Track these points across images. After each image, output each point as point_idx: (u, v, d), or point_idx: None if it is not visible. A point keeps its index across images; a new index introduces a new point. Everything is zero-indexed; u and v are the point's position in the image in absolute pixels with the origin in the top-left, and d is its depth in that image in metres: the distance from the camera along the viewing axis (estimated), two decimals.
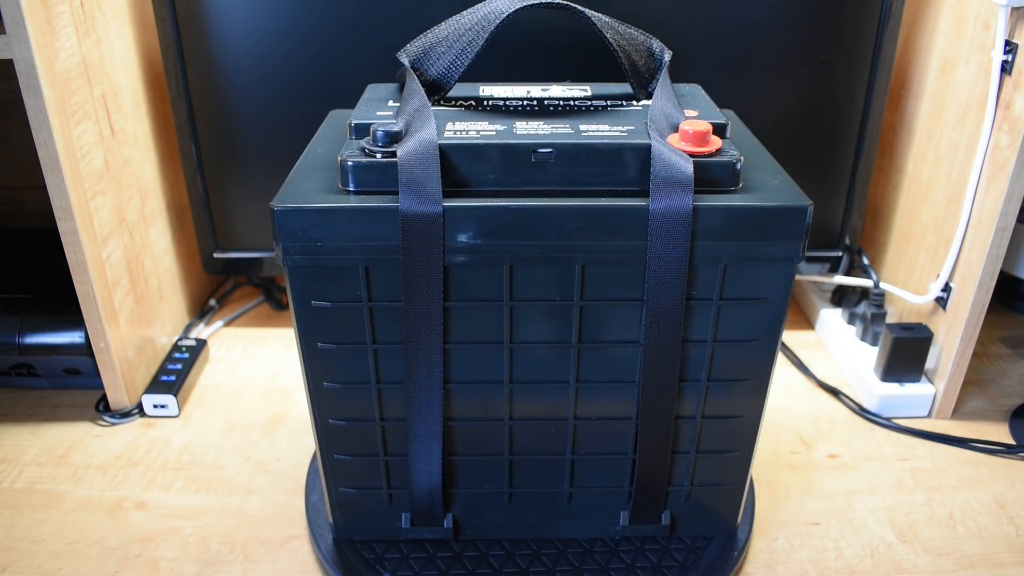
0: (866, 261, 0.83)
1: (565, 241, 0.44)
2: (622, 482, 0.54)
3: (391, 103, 0.50)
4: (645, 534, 0.56)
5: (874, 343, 0.78)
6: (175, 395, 0.72)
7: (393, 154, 0.43)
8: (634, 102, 0.51)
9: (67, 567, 0.56)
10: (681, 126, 0.45)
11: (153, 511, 0.62)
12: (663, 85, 0.50)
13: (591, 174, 0.44)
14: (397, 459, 0.52)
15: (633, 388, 0.50)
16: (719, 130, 0.46)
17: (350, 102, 0.51)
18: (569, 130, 0.45)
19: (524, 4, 0.48)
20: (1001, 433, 0.70)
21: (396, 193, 0.42)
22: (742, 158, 0.44)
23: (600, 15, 0.51)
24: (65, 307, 0.68)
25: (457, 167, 0.44)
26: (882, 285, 0.79)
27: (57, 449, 0.68)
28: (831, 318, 0.84)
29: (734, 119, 0.55)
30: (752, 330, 0.47)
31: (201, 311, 0.89)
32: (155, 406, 0.72)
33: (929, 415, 0.73)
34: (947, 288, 0.70)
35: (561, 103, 0.51)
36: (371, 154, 0.44)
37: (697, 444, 0.52)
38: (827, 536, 0.59)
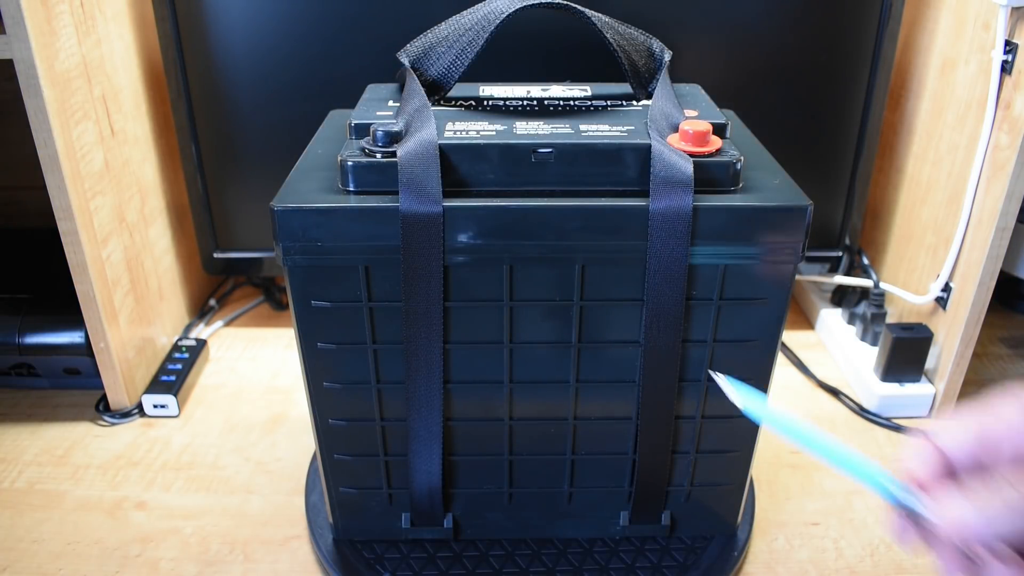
0: (866, 261, 0.83)
1: (565, 241, 0.44)
2: (622, 482, 0.54)
3: (391, 103, 0.51)
4: (645, 534, 0.56)
5: (874, 343, 0.78)
6: (175, 395, 0.72)
7: (393, 154, 0.43)
8: (634, 102, 0.51)
9: (67, 567, 0.56)
10: (681, 126, 0.45)
11: (153, 511, 0.61)
12: (663, 85, 0.50)
13: (591, 174, 0.44)
14: (397, 459, 0.52)
15: (633, 388, 0.50)
16: (719, 130, 0.46)
17: (350, 102, 0.51)
18: (569, 130, 0.45)
19: (524, 4, 0.48)
20: None
21: (396, 193, 0.42)
22: (742, 158, 0.44)
23: (600, 15, 0.51)
24: (65, 307, 0.68)
25: (457, 167, 0.44)
26: (882, 285, 0.79)
27: (57, 449, 0.68)
28: (831, 318, 0.84)
29: (734, 119, 0.55)
30: (752, 330, 0.47)
31: (201, 311, 0.89)
32: (155, 406, 0.72)
33: (929, 415, 0.73)
34: (947, 288, 0.70)
35: (561, 103, 0.51)
36: (371, 154, 0.44)
37: (697, 444, 0.52)
38: (827, 536, 0.59)
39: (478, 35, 0.48)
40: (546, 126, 0.46)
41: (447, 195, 0.42)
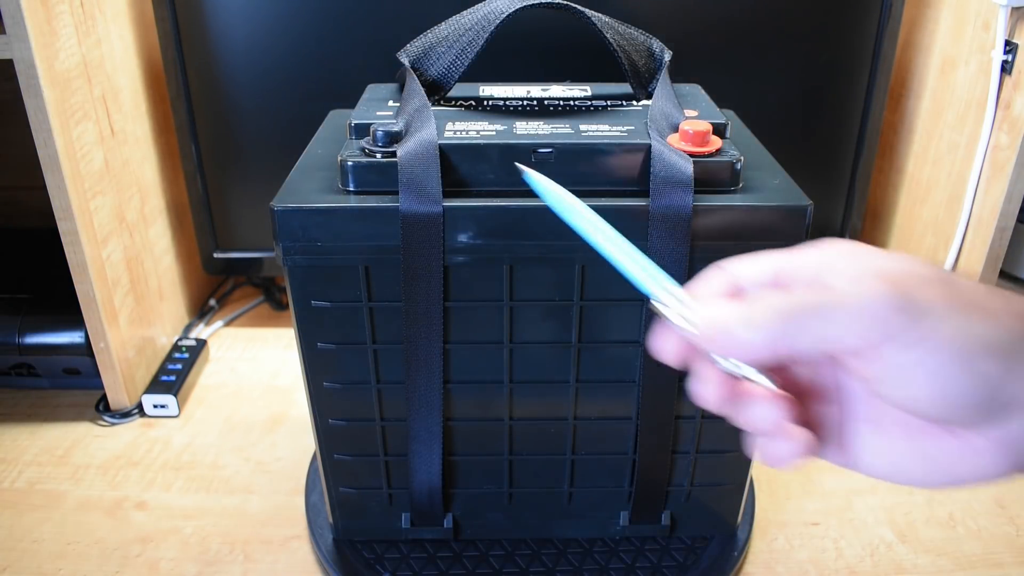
0: None
1: (565, 241, 0.44)
2: (622, 482, 0.54)
3: (391, 103, 0.50)
4: (645, 534, 0.56)
5: None
6: (175, 395, 0.72)
7: (393, 154, 0.43)
8: (634, 102, 0.51)
9: (67, 567, 0.56)
10: (681, 126, 0.45)
11: (153, 511, 0.61)
12: (663, 85, 0.50)
13: (591, 174, 0.44)
14: (397, 459, 0.52)
15: (633, 388, 0.50)
16: (719, 130, 0.46)
17: (350, 102, 0.51)
18: (569, 130, 0.45)
19: (524, 4, 0.48)
20: None
21: (396, 193, 0.42)
22: (742, 158, 0.44)
23: (600, 15, 0.51)
24: (65, 307, 0.68)
25: (457, 167, 0.44)
26: None
27: (57, 449, 0.68)
28: None
29: (734, 119, 0.55)
30: None
31: (201, 311, 0.89)
32: (155, 406, 0.72)
33: None
34: None
35: (561, 103, 0.50)
36: (371, 154, 0.44)
37: (697, 444, 0.52)
38: (827, 536, 0.59)
39: (478, 35, 0.48)
40: (546, 126, 0.46)
41: (447, 195, 0.42)
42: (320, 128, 0.54)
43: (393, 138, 0.44)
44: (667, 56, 0.53)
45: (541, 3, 0.49)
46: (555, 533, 0.56)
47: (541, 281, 0.46)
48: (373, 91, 0.54)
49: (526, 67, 0.69)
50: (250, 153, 0.76)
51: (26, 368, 0.74)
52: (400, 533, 0.55)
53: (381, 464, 0.52)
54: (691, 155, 0.43)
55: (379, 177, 0.43)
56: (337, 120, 0.55)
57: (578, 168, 0.44)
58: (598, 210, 0.43)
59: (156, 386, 0.73)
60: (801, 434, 0.30)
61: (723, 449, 0.52)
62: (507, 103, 0.50)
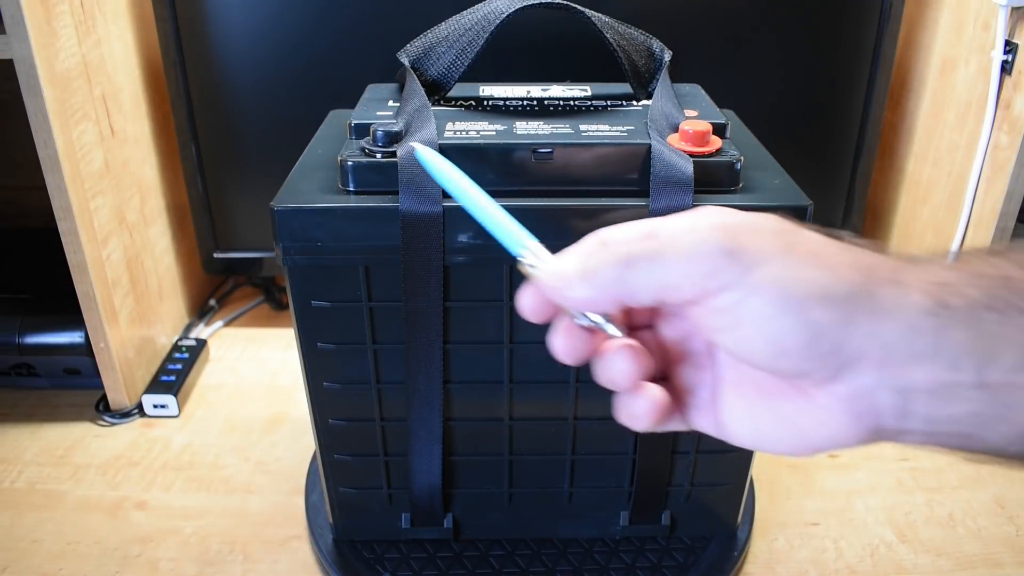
0: None
1: (565, 241, 0.44)
2: (622, 482, 0.54)
3: (391, 103, 0.50)
4: (645, 534, 0.56)
5: None
6: (175, 395, 0.72)
7: (393, 154, 0.43)
8: (634, 102, 0.51)
9: (67, 567, 0.56)
10: (681, 126, 0.45)
11: (153, 511, 0.61)
12: (663, 85, 0.50)
13: (591, 174, 0.44)
14: (397, 459, 0.52)
15: None
16: (719, 130, 0.46)
17: (350, 102, 0.51)
18: (569, 130, 0.45)
19: (524, 4, 0.48)
20: None
21: (396, 193, 0.42)
22: (742, 158, 0.44)
23: (600, 15, 0.51)
24: (65, 307, 0.68)
25: (457, 167, 0.44)
26: None
27: (57, 449, 0.68)
28: None
29: (734, 119, 0.55)
30: None
31: (201, 311, 0.89)
32: (155, 406, 0.72)
33: None
34: None
35: (561, 103, 0.50)
36: (371, 154, 0.44)
37: (697, 444, 0.52)
38: (827, 536, 0.59)
39: (478, 35, 0.48)
40: (546, 126, 0.46)
41: (447, 195, 0.42)
42: (320, 128, 0.54)
43: (393, 138, 0.44)
44: (667, 56, 0.53)
45: (541, 3, 0.49)
46: (555, 533, 0.56)
47: None
48: (373, 91, 0.54)
49: (526, 67, 0.69)
50: (250, 153, 0.76)
51: (26, 368, 0.74)
52: (400, 533, 0.55)
53: (381, 464, 0.52)
54: (691, 155, 0.43)
55: (379, 177, 0.43)
56: (337, 120, 0.55)
57: (578, 168, 0.44)
58: (598, 209, 0.43)
59: (156, 386, 0.73)
60: (654, 390, 0.31)
61: (723, 449, 0.52)
62: (507, 103, 0.50)
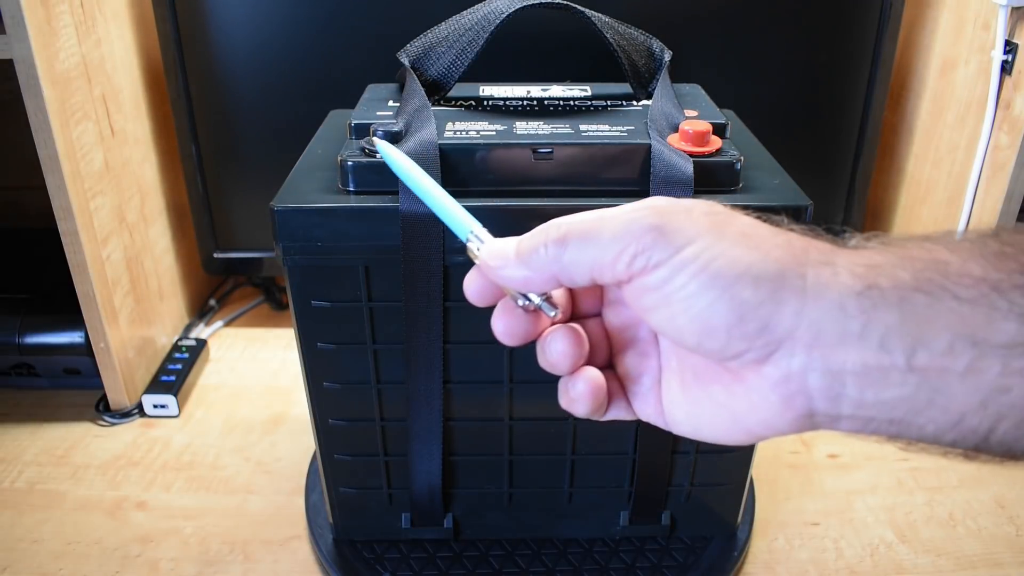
0: None
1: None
2: (622, 482, 0.54)
3: (391, 103, 0.50)
4: (645, 534, 0.56)
5: None
6: (175, 395, 0.72)
7: None
8: (634, 102, 0.51)
9: (67, 567, 0.56)
10: (681, 126, 0.45)
11: (153, 511, 0.61)
12: (663, 85, 0.50)
13: (591, 174, 0.44)
14: (397, 459, 0.52)
15: None
16: (719, 130, 0.46)
17: (350, 102, 0.51)
18: (569, 130, 0.45)
19: (524, 4, 0.48)
20: None
21: (396, 193, 0.42)
22: (742, 158, 0.44)
23: (600, 15, 0.51)
24: (65, 307, 0.68)
25: (457, 167, 0.44)
26: None
27: (57, 449, 0.68)
28: None
29: (734, 119, 0.55)
30: None
31: (201, 311, 0.89)
32: (155, 406, 0.72)
33: None
34: None
35: (561, 103, 0.50)
36: (371, 154, 0.44)
37: (697, 444, 0.52)
38: (827, 536, 0.59)
39: (478, 35, 0.48)
40: (546, 126, 0.46)
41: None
42: (320, 128, 0.54)
43: (393, 138, 0.44)
44: (667, 56, 0.53)
45: (541, 3, 0.49)
46: (555, 533, 0.56)
47: None
48: (373, 91, 0.54)
49: (526, 67, 0.69)
50: (250, 153, 0.76)
51: (26, 368, 0.74)
52: (400, 533, 0.55)
53: (381, 464, 0.52)
54: (691, 155, 0.43)
55: (379, 177, 0.43)
56: (337, 120, 0.55)
57: (578, 168, 0.44)
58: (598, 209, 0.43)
59: (156, 386, 0.73)
60: (591, 372, 0.31)
61: (723, 449, 0.52)
62: (507, 103, 0.50)
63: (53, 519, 0.60)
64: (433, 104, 0.49)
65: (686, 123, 0.45)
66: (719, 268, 0.26)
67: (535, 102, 0.51)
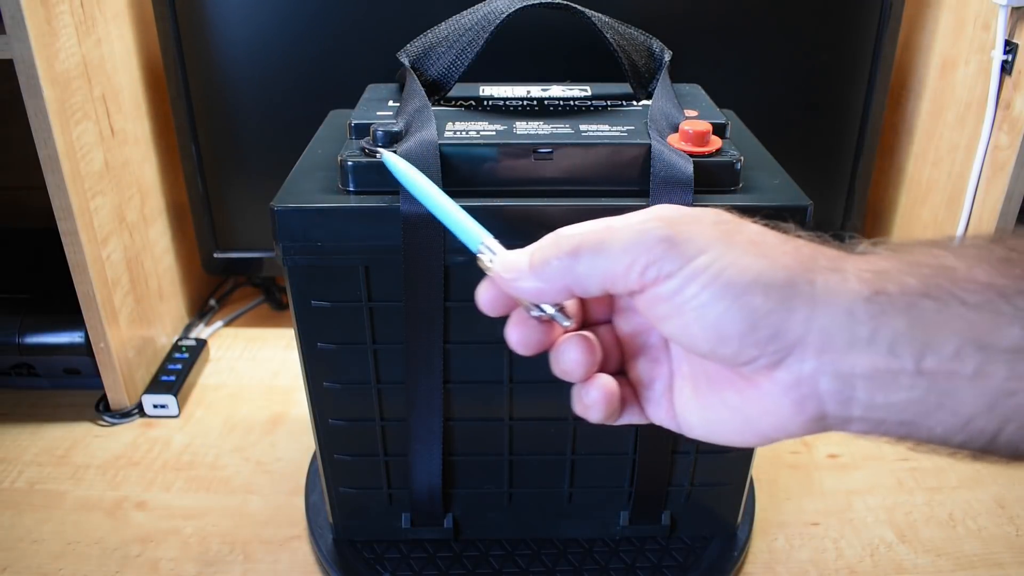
0: None
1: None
2: (622, 482, 0.54)
3: (391, 103, 0.50)
4: (645, 534, 0.56)
5: None
6: (175, 395, 0.72)
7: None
8: (634, 102, 0.51)
9: (67, 567, 0.56)
10: (681, 126, 0.45)
11: (153, 511, 0.61)
12: (663, 85, 0.50)
13: (591, 174, 0.44)
14: (397, 459, 0.52)
15: None
16: (719, 130, 0.46)
17: (350, 102, 0.51)
18: (569, 130, 0.45)
19: (524, 4, 0.48)
20: None
21: (396, 193, 0.42)
22: (742, 158, 0.44)
23: (600, 15, 0.51)
24: (65, 307, 0.68)
25: (457, 167, 0.44)
26: None
27: (57, 449, 0.68)
28: None
29: (734, 119, 0.55)
30: None
31: (201, 311, 0.89)
32: (155, 406, 0.72)
33: None
34: None
35: (561, 103, 0.50)
36: (371, 154, 0.44)
37: (697, 444, 0.52)
38: (827, 536, 0.59)
39: (478, 35, 0.48)
40: (546, 126, 0.46)
41: (447, 195, 0.42)
42: (320, 128, 0.54)
43: (393, 138, 0.44)
44: (667, 56, 0.53)
45: (541, 3, 0.49)
46: (555, 533, 0.56)
47: None
48: (373, 91, 0.54)
49: (526, 67, 0.69)
50: (250, 153, 0.76)
51: (26, 368, 0.74)
52: (400, 533, 0.55)
53: (381, 464, 0.52)
54: (691, 155, 0.43)
55: (379, 177, 0.43)
56: (337, 120, 0.55)
57: (578, 168, 0.44)
58: (598, 210, 0.43)
59: (156, 386, 0.73)
60: (605, 380, 0.32)
61: (723, 449, 0.52)
62: (507, 103, 0.50)
63: (53, 519, 0.60)
64: (433, 104, 0.49)
65: (686, 123, 0.45)
66: (730, 277, 0.27)
67: (535, 102, 0.51)
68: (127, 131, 0.71)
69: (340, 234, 0.43)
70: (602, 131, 0.45)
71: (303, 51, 0.71)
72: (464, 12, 0.51)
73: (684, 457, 0.53)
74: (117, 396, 0.71)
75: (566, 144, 0.44)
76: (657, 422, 0.34)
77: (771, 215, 0.43)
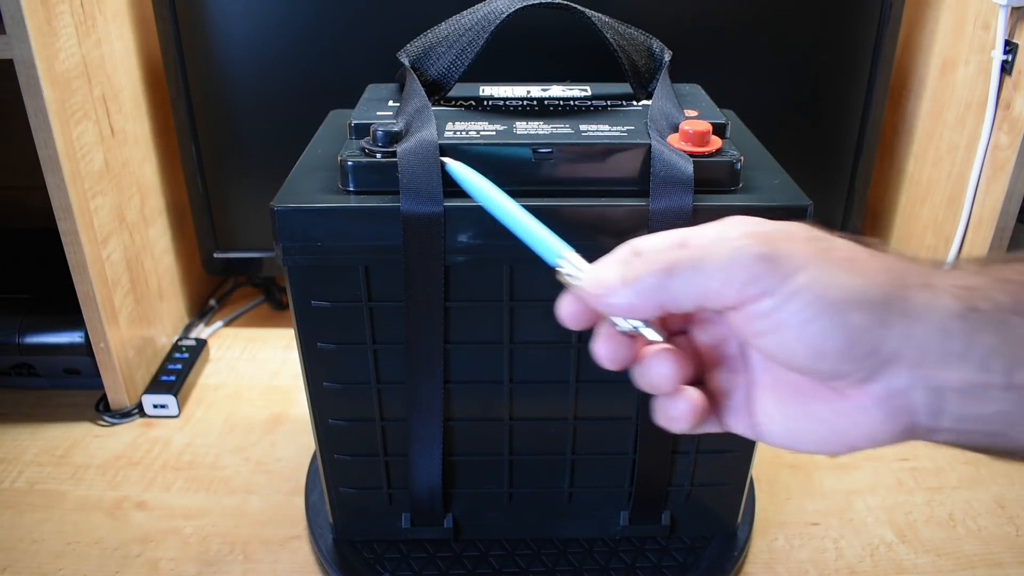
0: None
1: (565, 241, 0.44)
2: (622, 482, 0.54)
3: (391, 103, 0.50)
4: (645, 534, 0.56)
5: None
6: (175, 395, 0.72)
7: (393, 154, 0.43)
8: (634, 102, 0.51)
9: (67, 567, 0.56)
10: (681, 126, 0.45)
11: (153, 511, 0.61)
12: (663, 85, 0.50)
13: (591, 174, 0.44)
14: (397, 459, 0.52)
15: (633, 388, 0.49)
16: (719, 130, 0.46)
17: (350, 102, 0.51)
18: (569, 130, 0.45)
19: (524, 4, 0.48)
20: None
21: (396, 193, 0.42)
22: (742, 158, 0.44)
23: (600, 15, 0.51)
24: (65, 307, 0.68)
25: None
26: None
27: (57, 449, 0.68)
28: None
29: (734, 119, 0.55)
30: None
31: (201, 311, 0.89)
32: (155, 406, 0.72)
33: None
34: None
35: (561, 103, 0.50)
36: (371, 154, 0.44)
37: (697, 444, 0.52)
38: (827, 536, 0.59)
39: (478, 35, 0.48)
40: (546, 126, 0.46)
41: (447, 195, 0.42)
42: (320, 128, 0.54)
43: (393, 138, 0.44)
44: (667, 56, 0.53)
45: (541, 3, 0.49)
46: (555, 533, 0.56)
47: (541, 281, 0.45)
48: (373, 91, 0.54)
49: (526, 67, 0.69)
50: (250, 153, 0.76)
51: (26, 368, 0.74)
52: (400, 533, 0.55)
53: (381, 464, 0.52)
54: (691, 155, 0.43)
55: (379, 177, 0.43)
56: (337, 120, 0.55)
57: (578, 168, 0.44)
58: (598, 209, 0.43)
59: (156, 386, 0.73)
60: (692, 392, 0.32)
61: (723, 449, 0.52)
62: (507, 103, 0.50)
63: (53, 519, 0.60)
64: (433, 104, 0.49)
65: (686, 123, 0.45)
66: (830, 294, 0.27)
67: (535, 102, 0.51)
68: (127, 131, 0.71)
69: (340, 234, 0.43)
70: (602, 131, 0.45)
71: (303, 51, 0.71)
72: (464, 12, 0.51)
73: (684, 457, 0.53)
74: (117, 396, 0.71)
75: (566, 144, 0.44)
76: (735, 431, 0.34)
77: (771, 215, 0.43)
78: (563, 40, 0.67)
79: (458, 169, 0.38)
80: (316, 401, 0.50)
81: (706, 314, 0.34)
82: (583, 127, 0.46)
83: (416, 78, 0.49)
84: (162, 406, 0.72)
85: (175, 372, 0.75)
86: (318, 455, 0.52)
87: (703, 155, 0.44)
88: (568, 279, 0.32)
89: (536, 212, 0.43)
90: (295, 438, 0.70)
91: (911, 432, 0.29)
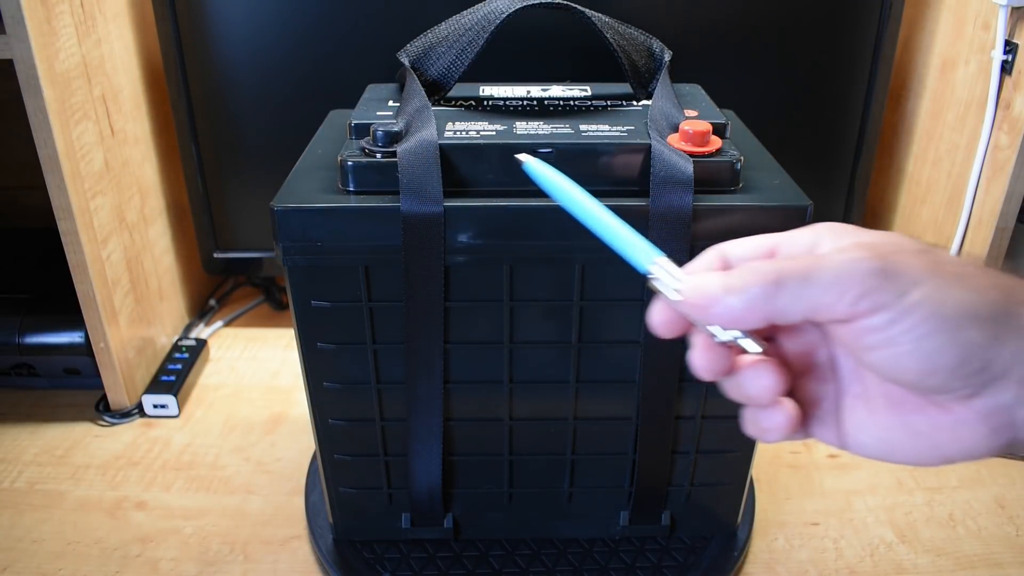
0: None
1: (565, 241, 0.44)
2: (622, 482, 0.54)
3: (391, 103, 0.50)
4: (645, 534, 0.56)
5: None
6: (175, 395, 0.72)
7: (393, 154, 0.43)
8: (634, 102, 0.51)
9: (67, 567, 0.56)
10: (681, 126, 0.45)
11: (153, 511, 0.61)
12: (663, 85, 0.50)
13: (591, 174, 0.44)
14: (397, 459, 0.52)
15: (633, 388, 0.50)
16: (719, 130, 0.46)
17: (350, 102, 0.51)
18: (569, 130, 0.45)
19: (524, 4, 0.48)
20: None
21: (396, 193, 0.42)
22: (742, 158, 0.44)
23: (600, 15, 0.51)
24: (65, 307, 0.68)
25: (457, 167, 0.44)
26: None
27: (57, 449, 0.68)
28: None
29: (734, 119, 0.55)
30: None
31: (201, 311, 0.89)
32: (155, 406, 0.72)
33: None
34: None
35: (561, 103, 0.50)
36: (371, 154, 0.44)
37: (697, 444, 0.52)
38: (827, 536, 0.59)
39: (478, 35, 0.48)
40: (546, 126, 0.46)
41: (447, 195, 0.42)
42: (320, 128, 0.54)
43: (393, 138, 0.44)
44: (667, 56, 0.53)
45: (541, 3, 0.49)
46: (555, 533, 0.56)
47: (541, 281, 0.46)
48: (373, 91, 0.54)
49: (526, 67, 0.69)
50: (250, 153, 0.76)
51: (26, 368, 0.74)
52: (400, 533, 0.55)
53: (381, 464, 0.52)
54: (691, 155, 0.43)
55: (379, 177, 0.43)
56: (337, 120, 0.55)
57: (578, 168, 0.44)
58: None
59: (156, 386, 0.73)
60: (789, 404, 0.31)
61: (723, 449, 0.52)
62: (507, 103, 0.50)
63: (53, 519, 0.60)
64: (433, 104, 0.49)
65: (686, 123, 0.45)
66: (946, 312, 0.27)
67: (535, 102, 0.51)
68: (127, 131, 0.71)
69: (340, 234, 0.43)
70: (602, 131, 0.45)
71: (303, 51, 0.71)
72: (464, 12, 0.51)
73: (684, 457, 0.53)
74: (117, 396, 0.71)
75: (566, 144, 0.44)
76: (821, 440, 0.34)
77: (771, 215, 0.43)
78: (563, 40, 0.67)
79: (534, 165, 0.36)
80: (316, 401, 0.50)
81: (806, 324, 0.33)
82: (583, 127, 0.46)
83: (416, 78, 0.49)
84: (162, 406, 0.72)
85: (175, 372, 0.75)
86: (318, 455, 0.52)
87: (703, 155, 0.44)
88: (661, 287, 0.31)
89: (536, 212, 0.43)
90: (295, 438, 0.70)
91: (1011, 446, 0.29)
